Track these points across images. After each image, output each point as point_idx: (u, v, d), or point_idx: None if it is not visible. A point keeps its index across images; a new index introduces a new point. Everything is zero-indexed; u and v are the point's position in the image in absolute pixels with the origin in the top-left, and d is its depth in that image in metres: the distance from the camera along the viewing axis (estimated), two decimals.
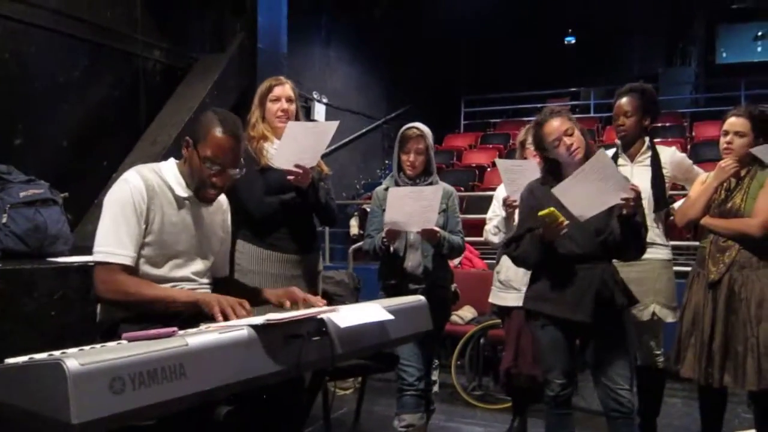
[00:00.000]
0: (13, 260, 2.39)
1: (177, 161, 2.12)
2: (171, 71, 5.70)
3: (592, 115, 11.44)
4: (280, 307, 2.06)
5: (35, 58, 4.62)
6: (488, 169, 9.05)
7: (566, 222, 2.39)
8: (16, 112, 4.51)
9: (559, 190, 2.39)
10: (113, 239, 1.92)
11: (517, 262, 2.70)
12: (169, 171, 2.08)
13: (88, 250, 2.02)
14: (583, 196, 2.37)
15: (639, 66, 12.64)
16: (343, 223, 7.92)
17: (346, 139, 10.03)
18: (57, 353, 1.40)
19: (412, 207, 2.73)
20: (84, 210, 4.06)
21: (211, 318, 1.80)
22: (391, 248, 2.87)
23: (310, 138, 2.63)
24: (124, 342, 1.42)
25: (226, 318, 1.77)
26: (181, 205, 2.06)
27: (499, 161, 3.23)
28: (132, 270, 1.95)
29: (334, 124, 2.68)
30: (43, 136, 4.70)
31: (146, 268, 2.00)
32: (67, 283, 2.28)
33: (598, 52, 12.52)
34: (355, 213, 7.71)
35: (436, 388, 4.55)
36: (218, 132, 2.00)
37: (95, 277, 1.92)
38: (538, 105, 12.25)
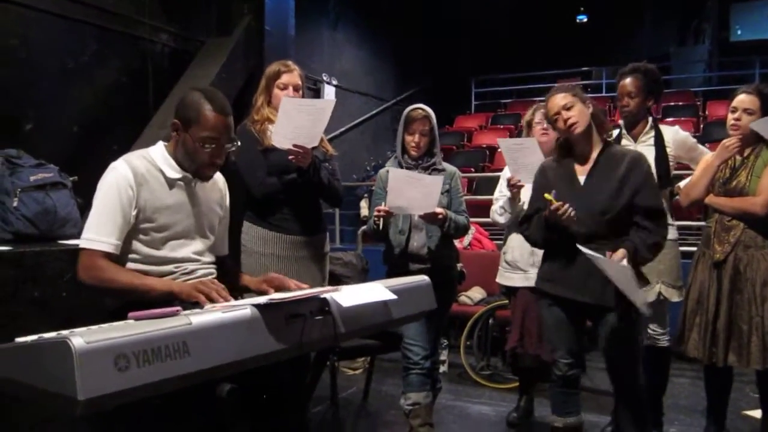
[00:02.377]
0: (24, 243, 2.42)
1: (165, 143, 2.13)
2: (178, 55, 5.72)
3: (603, 94, 11.32)
4: (260, 293, 2.06)
5: (44, 43, 4.65)
6: (498, 150, 9.00)
7: (570, 209, 2.40)
8: (26, 98, 4.55)
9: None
10: (97, 227, 1.96)
11: (529, 241, 2.73)
12: (158, 154, 2.10)
13: None
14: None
15: (651, 44, 12.50)
16: (353, 204, 7.95)
17: (356, 121, 10.04)
18: (65, 332, 1.44)
19: (412, 192, 2.74)
20: (94, 194, 4.11)
21: (194, 305, 1.81)
22: (380, 227, 2.88)
23: (307, 116, 2.61)
24: (131, 321, 1.46)
25: (211, 300, 1.79)
26: (173, 185, 2.08)
27: (501, 140, 3.23)
28: (114, 257, 1.97)
29: (330, 102, 2.66)
30: (53, 121, 4.74)
31: (147, 251, 2.03)
32: (76, 265, 2.31)
33: (609, 31, 12.41)
34: (365, 195, 7.73)
35: (444, 368, 4.59)
36: (209, 111, 2.02)
37: (78, 262, 1.96)
38: (549, 84, 12.21)
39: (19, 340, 1.39)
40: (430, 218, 2.84)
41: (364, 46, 10.39)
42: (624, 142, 3.12)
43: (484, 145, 9.39)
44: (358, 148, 10.12)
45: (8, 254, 2.21)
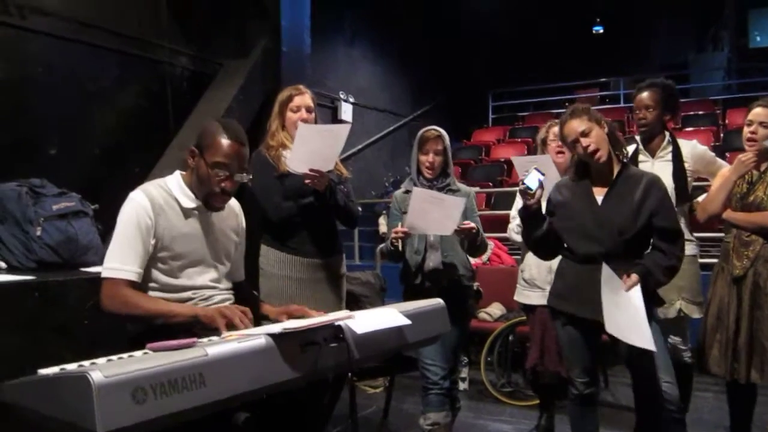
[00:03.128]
0: (47, 271, 2.48)
1: (182, 173, 2.18)
2: (197, 77, 5.81)
3: (621, 105, 11.28)
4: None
5: (66, 69, 4.76)
6: None
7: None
8: (50, 123, 4.65)
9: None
10: (119, 256, 2.01)
11: (533, 250, 2.75)
12: (175, 184, 2.15)
13: None
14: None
15: (669, 53, 12.42)
16: (371, 221, 7.98)
17: (373, 138, 10.09)
18: (86, 363, 1.48)
19: (433, 212, 2.75)
20: (116, 215, 4.19)
21: (214, 331, 1.86)
22: (399, 247, 2.90)
23: (323, 140, 2.66)
24: (149, 352, 1.49)
25: (233, 328, 1.83)
26: (188, 215, 2.13)
27: (515, 158, 3.25)
28: (136, 286, 2.03)
29: (346, 127, 2.71)
30: (75, 144, 4.83)
31: (166, 279, 2.08)
32: (97, 293, 2.35)
33: (626, 41, 12.33)
34: (384, 212, 7.75)
35: (465, 385, 4.59)
36: (223, 138, 2.07)
37: (101, 291, 2.01)
38: (567, 96, 12.18)
39: (42, 371, 1.43)
40: (465, 232, 2.83)
41: (380, 62, 10.46)
42: (641, 157, 3.12)
43: (502, 159, 9.39)
44: (376, 165, 10.16)
45: (33, 283, 2.27)
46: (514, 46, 12.28)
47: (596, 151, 2.50)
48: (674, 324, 3.04)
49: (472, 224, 2.85)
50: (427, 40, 10.89)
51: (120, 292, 1.98)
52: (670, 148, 3.09)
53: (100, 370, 1.23)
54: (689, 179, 3.08)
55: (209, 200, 2.13)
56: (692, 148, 3.12)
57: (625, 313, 2.36)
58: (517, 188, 3.55)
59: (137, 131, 5.31)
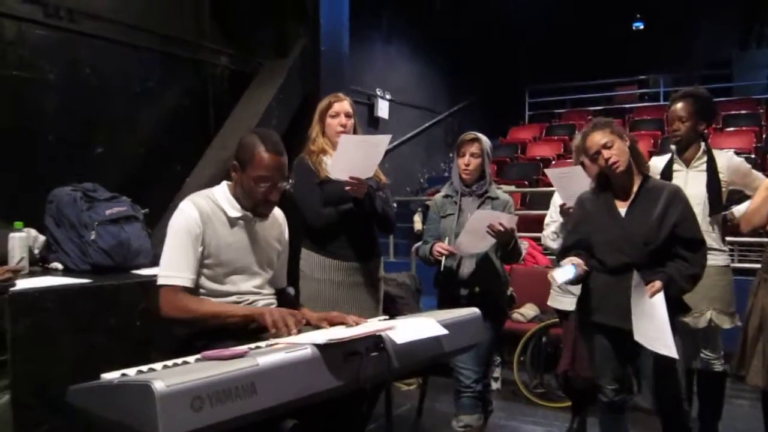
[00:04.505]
0: (101, 274, 2.60)
1: (228, 183, 2.28)
2: (238, 77, 5.93)
3: (661, 103, 11.13)
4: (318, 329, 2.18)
5: (112, 70, 4.92)
6: (553, 162, 8.98)
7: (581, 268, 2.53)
8: (97, 124, 4.82)
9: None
10: (173, 264, 2.13)
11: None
12: (221, 195, 2.25)
13: None
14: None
15: (711, 50, 12.19)
16: (406, 217, 8.03)
17: (409, 134, 10.14)
18: (145, 368, 1.58)
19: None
20: (161, 212, 4.32)
21: (266, 330, 1.98)
22: (443, 265, 2.96)
23: (363, 151, 2.74)
24: (203, 360, 1.59)
25: (278, 329, 1.93)
26: (234, 224, 2.23)
27: (549, 171, 3.29)
28: (192, 291, 2.14)
29: (386, 138, 2.78)
30: (121, 144, 4.99)
31: (212, 286, 2.18)
32: (148, 296, 2.47)
33: (667, 37, 12.15)
34: (419, 209, 7.80)
35: (497, 385, 4.64)
36: (263, 152, 2.16)
37: (160, 299, 2.13)
38: (605, 94, 12.07)
39: (105, 377, 1.54)
40: (496, 231, 2.85)
41: (417, 59, 10.49)
42: (675, 167, 3.13)
43: (538, 157, 9.36)
44: (412, 162, 10.21)
45: (89, 287, 2.39)
46: (551, 43, 12.20)
47: (616, 162, 2.54)
48: (705, 334, 3.05)
49: (506, 223, 2.85)
50: (464, 38, 10.88)
51: (177, 297, 2.10)
52: (705, 159, 3.09)
53: (161, 378, 1.32)
54: (723, 190, 3.08)
55: (257, 209, 2.23)
56: (728, 159, 3.12)
57: (651, 320, 2.40)
58: (553, 188, 3.58)
59: (180, 130, 5.45)
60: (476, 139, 3.07)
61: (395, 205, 5.27)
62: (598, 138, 2.58)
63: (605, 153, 2.56)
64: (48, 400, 2.23)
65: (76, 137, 4.67)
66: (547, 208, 3.59)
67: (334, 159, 2.78)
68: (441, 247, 2.96)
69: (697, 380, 3.17)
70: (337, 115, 3.00)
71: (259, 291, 2.27)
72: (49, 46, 4.50)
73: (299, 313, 2.03)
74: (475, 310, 2.22)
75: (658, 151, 7.79)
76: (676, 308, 2.57)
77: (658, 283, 2.43)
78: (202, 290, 2.17)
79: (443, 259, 2.96)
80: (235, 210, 2.23)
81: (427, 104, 10.72)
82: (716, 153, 3.12)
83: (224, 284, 2.20)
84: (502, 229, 2.83)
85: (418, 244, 5.64)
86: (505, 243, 2.92)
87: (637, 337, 2.42)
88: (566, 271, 2.52)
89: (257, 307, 2.17)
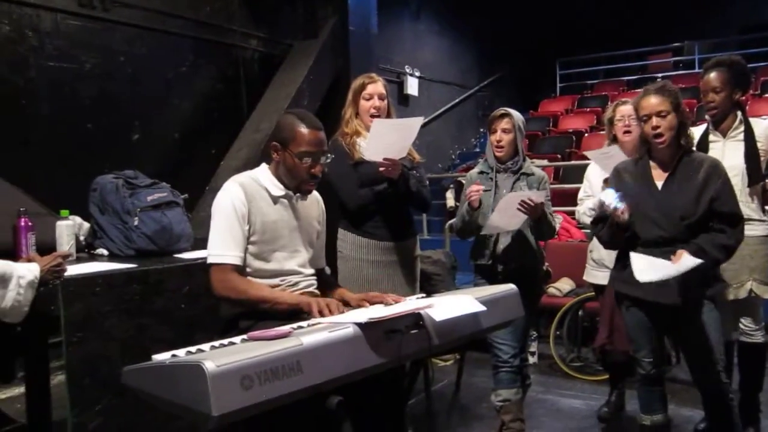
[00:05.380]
0: (145, 259, 2.69)
1: (267, 165, 2.34)
2: (268, 59, 5.99)
3: (696, 70, 10.85)
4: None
5: (146, 57, 5.00)
6: (585, 135, 8.87)
7: (624, 211, 2.49)
8: (133, 111, 4.92)
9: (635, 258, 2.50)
10: (222, 243, 2.18)
11: (601, 242, 2.78)
12: (263, 175, 2.31)
13: (204, 243, 2.30)
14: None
15: (748, 13, 11.77)
16: (439, 194, 8.04)
17: (440, 110, 10.10)
18: (194, 349, 1.65)
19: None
20: (198, 195, 4.41)
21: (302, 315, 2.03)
22: (476, 204, 2.96)
23: (396, 133, 2.77)
24: (249, 341, 1.65)
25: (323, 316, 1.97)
26: (276, 202, 2.29)
27: (589, 153, 3.28)
28: (241, 269, 2.20)
29: (419, 120, 2.79)
30: (156, 129, 5.10)
31: (257, 264, 2.24)
32: (192, 279, 2.55)
33: (701, 2, 11.82)
34: (451, 185, 7.80)
35: (534, 359, 4.67)
36: (303, 128, 2.23)
37: (211, 277, 2.19)
38: (638, 63, 11.83)
39: (156, 358, 1.60)
40: (526, 207, 2.86)
41: (446, 35, 10.41)
42: (712, 137, 3.08)
43: (570, 130, 9.24)
44: (443, 137, 10.18)
45: (136, 272, 2.47)
46: (582, 12, 11.94)
47: (661, 135, 2.51)
48: (745, 305, 3.02)
49: (536, 199, 2.85)
50: (494, 10, 10.74)
51: (228, 277, 2.16)
52: (741, 128, 3.02)
53: (212, 359, 1.38)
54: (762, 160, 3.03)
55: (301, 186, 2.29)
56: (765, 128, 3.05)
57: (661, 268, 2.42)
58: (586, 161, 3.57)
59: (213, 114, 5.54)
60: (507, 115, 3.05)
61: (428, 183, 5.30)
62: (655, 103, 2.52)
63: (655, 121, 2.51)
64: (101, 380, 2.33)
65: (114, 125, 4.78)
66: (580, 181, 3.57)
67: (368, 142, 2.81)
68: (473, 189, 2.95)
69: (737, 352, 3.15)
70: (371, 97, 3.01)
71: (301, 270, 2.32)
72: (84, 36, 4.60)
73: (342, 306, 2.07)
74: (511, 287, 2.25)
75: (694, 119, 7.65)
76: (704, 284, 2.56)
77: (681, 252, 2.41)
78: (248, 269, 2.23)
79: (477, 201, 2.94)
80: (277, 189, 2.29)
81: (457, 80, 10.65)
82: (754, 121, 3.06)
83: (269, 262, 2.25)
84: (531, 204, 2.84)
85: (452, 220, 5.67)
86: (536, 218, 2.93)
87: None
88: (608, 194, 2.52)
89: (303, 295, 2.22)
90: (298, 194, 2.33)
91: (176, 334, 2.48)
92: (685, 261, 2.37)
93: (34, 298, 2.11)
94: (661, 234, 2.51)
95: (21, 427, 2.78)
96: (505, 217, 2.90)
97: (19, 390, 3.34)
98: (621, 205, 2.50)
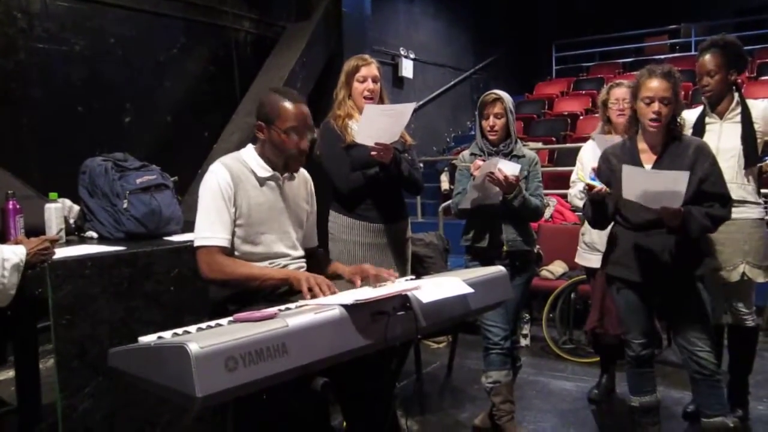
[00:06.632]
0: (134, 242, 2.68)
1: (254, 146, 2.31)
2: (261, 41, 5.95)
3: (692, 53, 10.80)
4: (351, 283, 2.23)
5: (137, 40, 4.96)
6: (581, 118, 8.86)
7: (603, 188, 2.54)
8: (124, 93, 4.89)
9: (626, 170, 2.44)
10: (209, 225, 2.17)
11: (589, 222, 2.80)
12: (250, 156, 2.29)
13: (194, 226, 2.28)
14: (640, 188, 2.42)
15: None
16: (433, 177, 8.04)
17: (435, 93, 10.05)
18: (180, 331, 1.64)
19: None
20: (190, 178, 4.39)
21: (299, 293, 2.02)
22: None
23: (388, 119, 2.75)
24: (235, 323, 1.64)
25: (313, 295, 1.97)
26: (263, 184, 2.27)
27: (596, 136, 3.30)
28: (228, 251, 2.18)
29: (411, 106, 2.77)
30: (148, 112, 5.08)
31: (245, 247, 2.22)
32: (181, 262, 2.54)
33: None
34: (446, 168, 7.78)
35: (527, 342, 4.69)
36: (288, 104, 2.21)
37: (198, 260, 2.17)
38: (635, 45, 11.78)
39: (142, 339, 1.60)
40: (496, 181, 2.84)
41: (441, 17, 10.34)
42: (708, 120, 3.07)
43: (566, 113, 9.22)
44: (438, 120, 10.15)
45: (124, 254, 2.46)
46: None
47: (658, 121, 2.51)
48: (737, 288, 3.02)
49: (507, 172, 2.83)
50: None
51: (216, 259, 2.14)
52: (738, 110, 3.01)
53: (196, 340, 1.37)
54: (759, 141, 3.02)
55: (289, 163, 2.27)
56: (763, 109, 3.04)
57: (653, 195, 2.42)
58: (580, 144, 3.57)
59: (205, 97, 5.52)
60: (498, 99, 3.04)
61: (422, 165, 5.27)
62: (662, 87, 2.51)
63: (657, 106, 2.51)
64: (90, 363, 2.33)
65: (104, 107, 4.75)
66: (575, 164, 3.56)
67: (359, 127, 2.80)
68: (478, 162, 2.95)
69: (728, 334, 3.17)
70: (364, 80, 2.99)
71: (290, 253, 2.31)
72: (74, 18, 4.56)
73: (332, 284, 2.06)
74: (500, 269, 2.24)
75: (689, 102, 7.62)
76: (695, 265, 2.57)
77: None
78: (236, 253, 2.22)
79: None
80: (264, 170, 2.27)
81: (452, 62, 10.59)
82: (751, 103, 3.04)
83: (257, 245, 2.24)
84: (500, 177, 2.82)
85: (446, 203, 5.66)
86: (510, 194, 2.91)
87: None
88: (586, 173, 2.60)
89: (295, 271, 2.21)
90: (285, 175, 2.31)
91: (165, 316, 2.48)
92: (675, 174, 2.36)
93: (21, 282, 2.10)
94: (649, 217, 2.52)
95: (13, 410, 2.78)
96: (481, 190, 2.90)
97: (12, 373, 3.35)
98: (596, 183, 2.56)
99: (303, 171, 2.45)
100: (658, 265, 2.55)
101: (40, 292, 2.23)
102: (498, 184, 2.85)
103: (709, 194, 2.51)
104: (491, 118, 3.04)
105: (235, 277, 2.14)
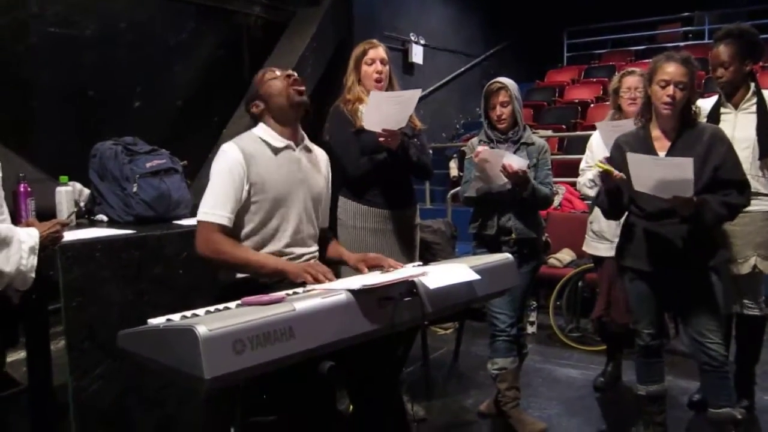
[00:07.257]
0: (144, 225, 2.70)
1: (263, 124, 2.33)
2: (271, 26, 5.92)
3: (706, 41, 10.69)
4: (357, 270, 2.24)
5: (147, 24, 4.96)
6: (591, 105, 8.80)
7: (619, 174, 2.49)
8: (135, 77, 4.89)
9: (631, 158, 2.43)
10: (213, 201, 2.17)
11: (603, 213, 2.78)
12: (261, 130, 2.31)
13: None
14: (648, 177, 2.40)
15: None
16: (442, 164, 8.01)
17: (445, 80, 10.00)
18: (188, 314, 1.66)
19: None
20: (200, 162, 4.40)
21: (295, 284, 2.03)
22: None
23: (394, 105, 2.75)
24: (243, 306, 1.66)
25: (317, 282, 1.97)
26: (278, 153, 2.28)
27: (599, 124, 3.25)
28: (228, 230, 2.17)
29: (417, 92, 2.76)
30: (158, 97, 5.07)
31: (261, 227, 2.22)
32: (190, 245, 2.54)
33: None
34: (454, 155, 7.76)
35: (533, 329, 4.70)
36: (268, 71, 2.33)
37: (197, 234, 2.18)
38: (647, 33, 11.67)
39: (151, 322, 1.62)
40: (510, 175, 2.85)
41: (452, 3, 10.26)
42: (723, 110, 3.03)
43: (576, 101, 9.15)
44: (447, 107, 10.10)
45: (134, 238, 2.48)
46: None
47: (672, 105, 2.49)
48: (748, 280, 3.01)
49: (515, 166, 2.82)
50: None
51: (212, 237, 2.14)
52: (754, 100, 2.97)
53: (204, 323, 1.39)
54: None
55: (291, 96, 2.28)
56: None
57: (659, 183, 2.40)
58: (591, 132, 3.55)
59: (215, 82, 5.50)
60: (503, 87, 3.02)
61: (431, 151, 5.27)
62: (678, 72, 2.49)
63: (672, 89, 2.48)
64: (100, 345, 2.36)
65: (115, 92, 4.76)
66: (584, 153, 3.54)
67: (365, 113, 2.80)
68: (480, 148, 2.95)
69: (735, 324, 3.16)
70: (372, 62, 3.00)
71: (305, 242, 2.32)
72: (85, 2, 4.55)
73: (330, 271, 2.04)
74: (507, 256, 2.25)
75: (702, 91, 7.57)
76: (710, 255, 2.56)
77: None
78: (249, 230, 2.21)
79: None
80: (278, 140, 2.29)
81: (462, 48, 10.52)
82: (766, 93, 3.02)
83: (272, 219, 2.23)
84: (509, 171, 2.82)
85: (454, 190, 5.66)
86: (520, 186, 2.91)
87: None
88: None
89: (291, 262, 2.19)
90: (301, 145, 2.34)
91: (174, 299, 2.49)
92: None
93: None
94: (663, 206, 2.49)
95: (24, 389, 2.82)
96: (485, 177, 2.91)
97: (24, 354, 3.39)
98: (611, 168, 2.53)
99: (320, 150, 2.48)
100: (671, 255, 2.54)
101: (52, 274, 2.25)
102: (508, 177, 2.86)
103: (726, 181, 2.48)
104: (498, 107, 3.03)
105: (227, 258, 2.14)
